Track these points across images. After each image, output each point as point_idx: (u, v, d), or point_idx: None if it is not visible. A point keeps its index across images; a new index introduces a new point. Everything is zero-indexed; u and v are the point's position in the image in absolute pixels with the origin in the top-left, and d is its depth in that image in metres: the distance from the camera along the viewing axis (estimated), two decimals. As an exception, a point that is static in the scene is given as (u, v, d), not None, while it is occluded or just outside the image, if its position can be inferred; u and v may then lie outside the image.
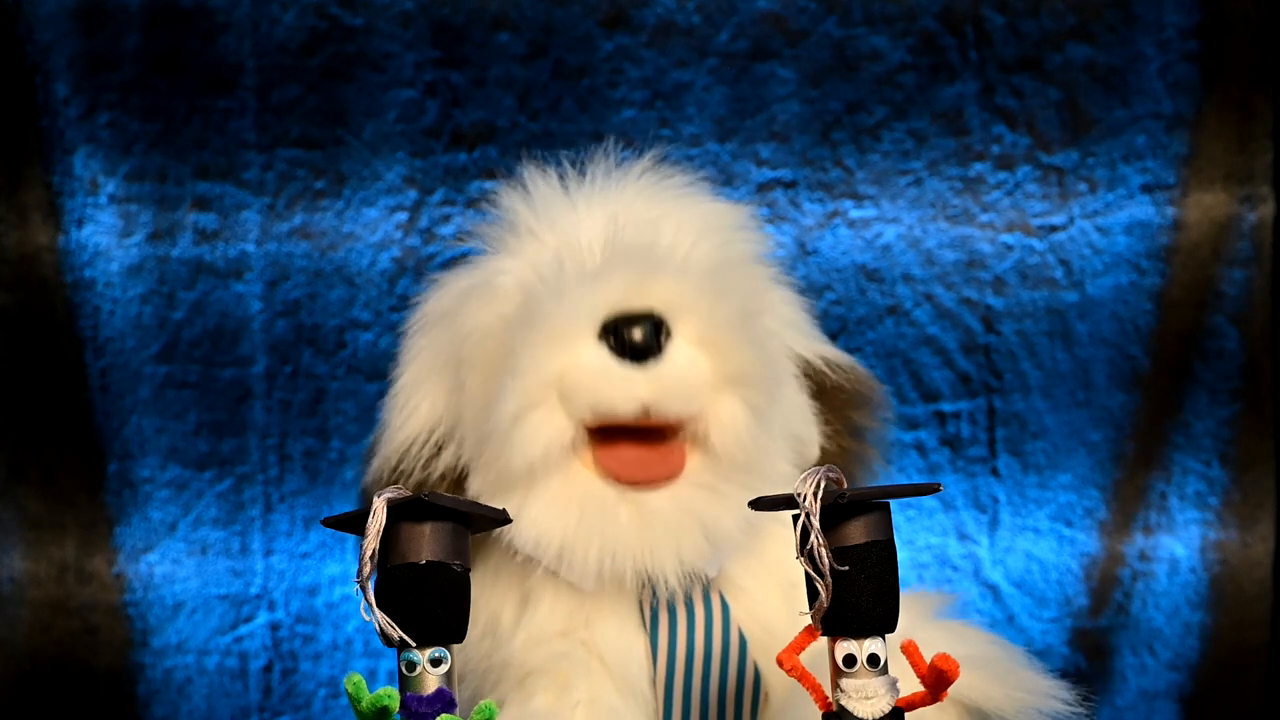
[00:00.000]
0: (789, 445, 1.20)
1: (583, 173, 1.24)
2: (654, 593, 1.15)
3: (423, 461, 1.19)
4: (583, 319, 1.11)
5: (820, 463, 1.23)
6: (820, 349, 1.27)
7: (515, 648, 1.16)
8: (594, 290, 1.11)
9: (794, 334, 1.26)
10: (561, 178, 1.24)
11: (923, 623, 1.15)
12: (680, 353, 1.12)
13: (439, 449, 1.20)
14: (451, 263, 1.29)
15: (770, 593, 1.19)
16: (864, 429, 1.28)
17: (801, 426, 1.22)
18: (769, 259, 1.28)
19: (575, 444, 1.13)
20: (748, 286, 1.20)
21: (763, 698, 1.18)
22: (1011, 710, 1.08)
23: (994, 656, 1.13)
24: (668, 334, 1.12)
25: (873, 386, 1.29)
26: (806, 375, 1.24)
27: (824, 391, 1.25)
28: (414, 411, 1.21)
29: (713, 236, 1.21)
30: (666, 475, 1.13)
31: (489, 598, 1.19)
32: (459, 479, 1.18)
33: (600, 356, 1.11)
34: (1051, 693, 1.10)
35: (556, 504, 1.12)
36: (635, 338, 1.10)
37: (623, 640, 1.16)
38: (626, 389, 1.11)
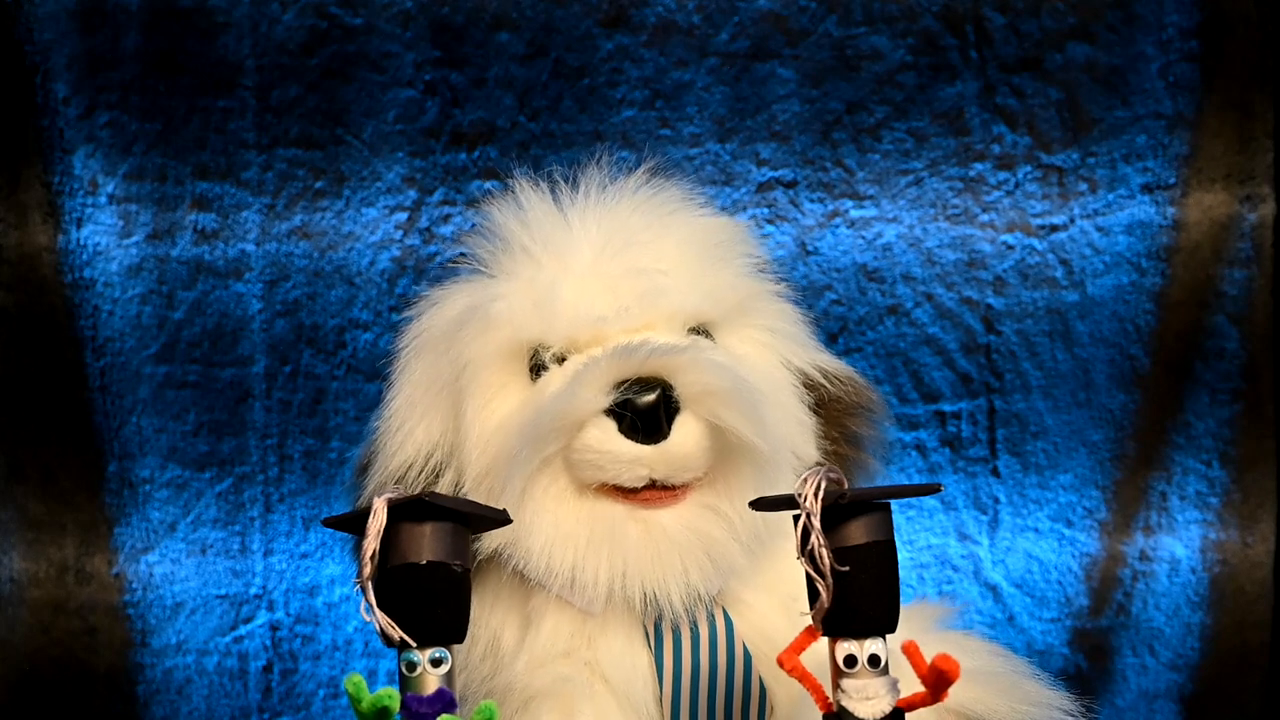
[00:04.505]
0: (792, 474, 1.20)
1: (577, 184, 1.23)
2: (658, 612, 1.15)
3: (420, 487, 1.19)
4: (591, 396, 1.10)
5: None
6: (818, 359, 1.27)
7: (518, 670, 1.16)
8: (602, 368, 1.10)
9: (792, 346, 1.26)
10: (555, 192, 1.23)
11: (924, 634, 1.15)
12: (688, 428, 1.11)
13: (437, 474, 1.19)
14: (447, 267, 1.28)
15: (772, 606, 1.18)
16: (862, 437, 1.27)
17: (803, 446, 1.22)
18: (768, 272, 1.28)
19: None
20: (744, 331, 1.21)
21: (768, 712, 1.18)
22: None
23: (996, 669, 1.13)
24: (676, 407, 1.11)
25: (871, 396, 1.29)
26: (805, 387, 1.24)
27: (822, 403, 1.25)
28: (409, 435, 1.21)
29: (707, 255, 1.21)
30: (674, 497, 1.13)
31: (489, 619, 1.19)
32: None
33: (607, 433, 1.10)
34: (1054, 704, 1.09)
35: (565, 526, 1.12)
36: (643, 404, 1.09)
37: (626, 660, 1.16)
38: (633, 468, 1.11)
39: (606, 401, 1.10)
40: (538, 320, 1.15)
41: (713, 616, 1.17)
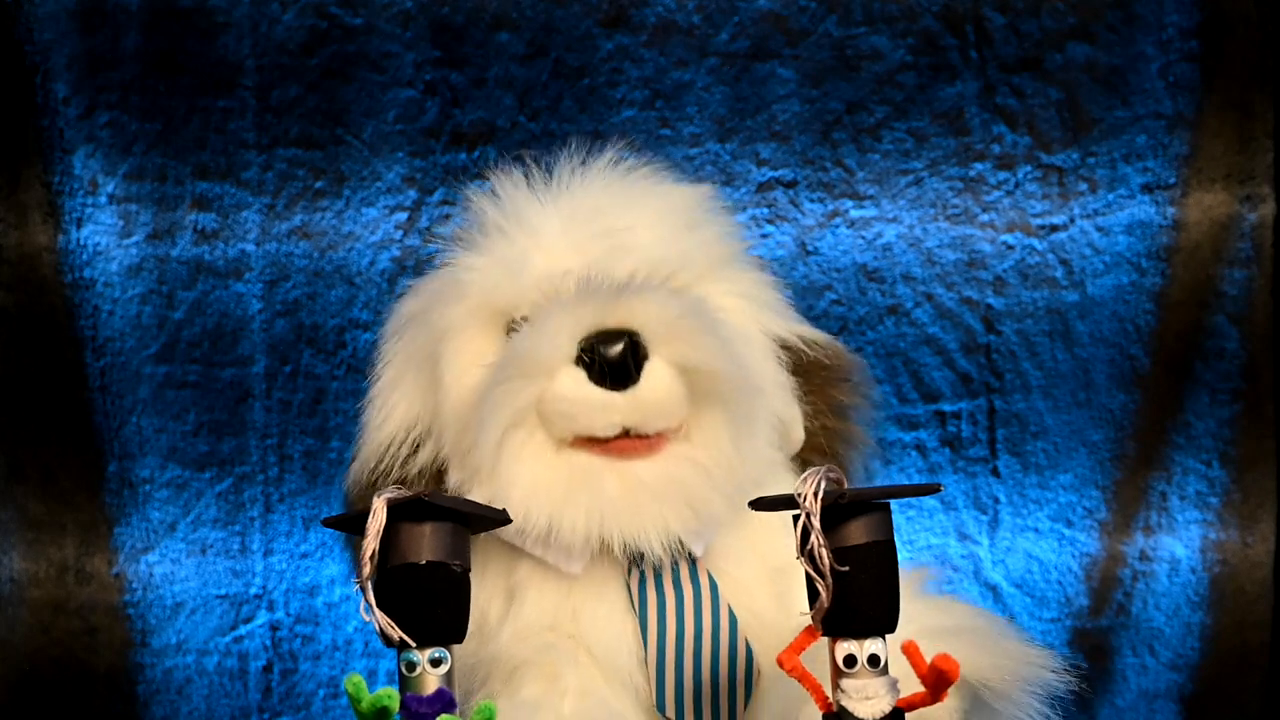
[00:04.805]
0: (772, 429, 1.20)
1: (549, 169, 1.25)
2: (641, 574, 1.15)
3: (401, 460, 1.20)
4: (559, 345, 1.11)
5: (805, 444, 1.24)
6: (796, 328, 1.28)
7: (503, 643, 1.17)
8: (569, 314, 1.11)
9: (767, 314, 1.26)
10: (527, 175, 1.24)
11: (908, 597, 1.15)
12: (658, 374, 1.12)
13: (416, 447, 1.20)
14: (430, 259, 1.30)
15: (757, 577, 1.19)
16: (847, 406, 1.28)
17: (784, 409, 1.22)
18: (736, 239, 1.29)
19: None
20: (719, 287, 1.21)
21: (755, 674, 1.18)
22: (998, 680, 1.07)
23: (979, 627, 1.13)
24: (645, 354, 1.12)
25: (852, 362, 1.30)
26: (785, 350, 1.25)
27: (803, 369, 1.25)
28: (392, 412, 1.22)
29: (677, 220, 1.22)
30: (649, 448, 1.14)
31: (475, 593, 1.19)
32: (438, 473, 1.19)
33: (578, 382, 1.11)
34: (1038, 661, 1.09)
35: (542, 479, 1.13)
36: (612, 355, 1.10)
37: (611, 629, 1.16)
38: (605, 415, 1.12)
39: (575, 350, 1.11)
40: (508, 283, 1.17)
41: (697, 579, 1.17)
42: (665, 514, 1.12)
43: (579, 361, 1.11)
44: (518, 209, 1.22)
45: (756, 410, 1.15)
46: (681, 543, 1.14)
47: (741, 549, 1.19)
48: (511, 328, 1.18)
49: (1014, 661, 1.08)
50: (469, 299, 1.18)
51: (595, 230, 1.18)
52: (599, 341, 1.10)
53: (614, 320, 1.11)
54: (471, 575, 1.18)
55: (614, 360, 1.10)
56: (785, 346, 1.25)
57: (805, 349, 1.26)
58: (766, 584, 1.18)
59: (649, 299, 1.12)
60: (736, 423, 1.13)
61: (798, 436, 1.24)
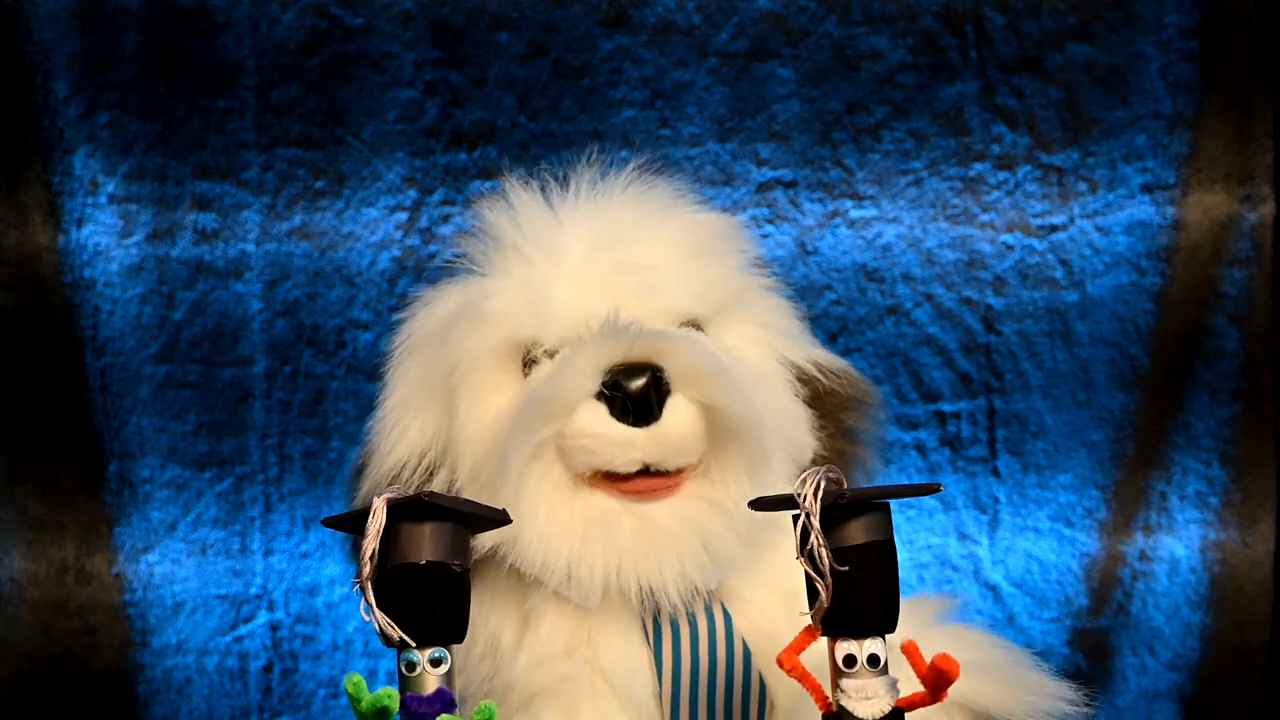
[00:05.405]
0: (789, 460, 1.20)
1: (568, 183, 1.23)
2: (656, 607, 1.15)
3: (415, 486, 1.19)
4: (582, 379, 1.10)
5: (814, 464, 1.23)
6: (813, 354, 1.27)
7: (518, 670, 1.16)
8: (592, 349, 1.10)
9: (786, 341, 1.26)
10: (545, 191, 1.23)
11: (925, 628, 1.15)
12: (680, 410, 1.11)
13: (430, 473, 1.19)
14: (443, 267, 1.28)
15: (772, 603, 1.18)
16: (857, 431, 1.27)
17: (798, 434, 1.22)
18: (761, 266, 1.28)
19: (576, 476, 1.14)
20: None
21: (768, 708, 1.18)
22: (1019, 714, 1.08)
23: (999, 660, 1.13)
24: (667, 390, 1.11)
25: (866, 390, 1.29)
26: (800, 381, 1.24)
27: (817, 397, 1.25)
28: (404, 434, 1.21)
29: (700, 251, 1.21)
30: (668, 487, 1.13)
31: (488, 618, 1.19)
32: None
33: (599, 416, 1.10)
34: (1058, 694, 1.10)
35: (560, 520, 1.12)
36: (634, 390, 1.09)
37: (626, 656, 1.16)
38: (626, 451, 1.10)
39: (597, 385, 1.10)
40: (532, 318, 1.16)
41: (711, 612, 1.17)
42: (682, 559, 1.12)
43: (601, 396, 1.10)
44: (536, 229, 1.20)
45: (774, 451, 1.15)
46: (697, 586, 1.13)
47: (755, 574, 1.19)
48: (529, 359, 1.17)
49: (1035, 695, 1.09)
50: (490, 329, 1.16)
51: (618, 261, 1.17)
52: (622, 376, 1.09)
53: (637, 355, 1.10)
54: (484, 599, 1.18)
55: (637, 395, 1.09)
56: (802, 377, 1.25)
57: (821, 378, 1.25)
58: (781, 609, 1.17)
59: (673, 338, 1.11)
60: (754, 464, 1.12)
61: (806, 460, 1.24)
